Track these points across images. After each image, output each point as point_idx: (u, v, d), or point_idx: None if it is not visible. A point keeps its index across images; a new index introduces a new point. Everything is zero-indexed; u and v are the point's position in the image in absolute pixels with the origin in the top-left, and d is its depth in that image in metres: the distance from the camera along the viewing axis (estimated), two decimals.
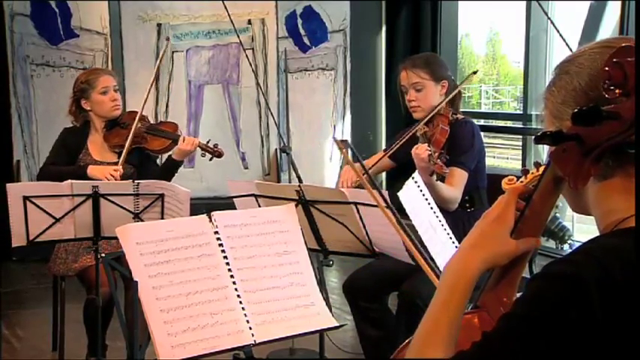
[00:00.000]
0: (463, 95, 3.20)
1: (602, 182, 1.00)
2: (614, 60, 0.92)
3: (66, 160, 3.29)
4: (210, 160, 3.39)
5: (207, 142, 3.36)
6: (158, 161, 3.59)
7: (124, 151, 3.22)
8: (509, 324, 0.92)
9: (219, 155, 3.37)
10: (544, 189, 1.06)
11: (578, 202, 1.06)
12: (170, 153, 3.37)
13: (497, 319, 0.94)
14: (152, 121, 3.50)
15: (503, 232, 1.05)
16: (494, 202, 1.09)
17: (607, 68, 0.93)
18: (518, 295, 1.03)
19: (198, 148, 3.31)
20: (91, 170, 3.20)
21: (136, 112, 3.39)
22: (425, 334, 1.00)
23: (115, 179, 3.11)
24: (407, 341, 1.15)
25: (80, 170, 3.20)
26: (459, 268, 1.02)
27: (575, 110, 0.92)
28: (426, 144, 2.67)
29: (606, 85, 0.93)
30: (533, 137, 1.03)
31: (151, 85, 3.50)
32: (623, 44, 0.94)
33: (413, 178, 2.39)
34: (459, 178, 2.79)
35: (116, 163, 3.24)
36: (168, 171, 3.32)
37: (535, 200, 1.07)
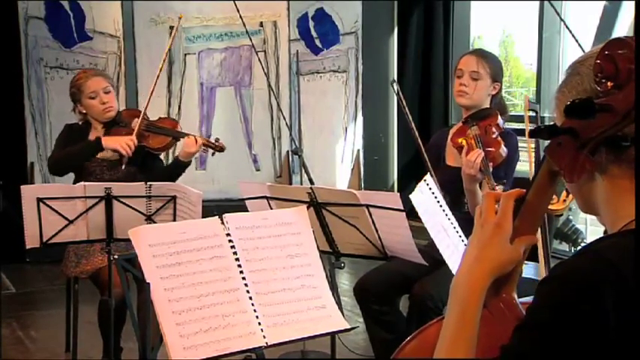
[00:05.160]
0: None
1: (610, 182, 0.99)
2: (606, 52, 0.93)
3: None
4: (213, 154, 3.38)
5: (208, 137, 3.33)
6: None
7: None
8: (524, 334, 0.92)
9: (221, 149, 3.35)
10: (539, 184, 1.05)
11: (587, 201, 1.05)
12: (177, 154, 3.35)
13: (512, 331, 0.93)
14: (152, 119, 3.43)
15: (504, 241, 1.03)
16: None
17: (598, 61, 0.93)
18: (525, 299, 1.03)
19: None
20: (106, 141, 3.15)
21: (135, 110, 3.36)
22: (444, 355, 0.99)
23: (130, 149, 3.12)
24: (408, 339, 1.15)
25: (91, 145, 3.17)
26: (468, 284, 1.01)
27: (568, 103, 0.91)
28: (475, 149, 2.68)
29: (598, 77, 0.93)
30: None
31: (154, 85, 3.43)
32: (614, 37, 0.94)
33: (425, 180, 2.38)
34: None
35: (117, 161, 3.22)
36: (174, 171, 3.30)
37: (530, 196, 1.06)
